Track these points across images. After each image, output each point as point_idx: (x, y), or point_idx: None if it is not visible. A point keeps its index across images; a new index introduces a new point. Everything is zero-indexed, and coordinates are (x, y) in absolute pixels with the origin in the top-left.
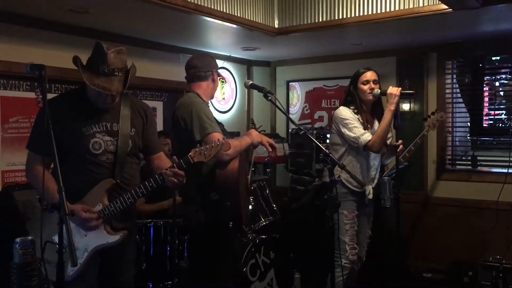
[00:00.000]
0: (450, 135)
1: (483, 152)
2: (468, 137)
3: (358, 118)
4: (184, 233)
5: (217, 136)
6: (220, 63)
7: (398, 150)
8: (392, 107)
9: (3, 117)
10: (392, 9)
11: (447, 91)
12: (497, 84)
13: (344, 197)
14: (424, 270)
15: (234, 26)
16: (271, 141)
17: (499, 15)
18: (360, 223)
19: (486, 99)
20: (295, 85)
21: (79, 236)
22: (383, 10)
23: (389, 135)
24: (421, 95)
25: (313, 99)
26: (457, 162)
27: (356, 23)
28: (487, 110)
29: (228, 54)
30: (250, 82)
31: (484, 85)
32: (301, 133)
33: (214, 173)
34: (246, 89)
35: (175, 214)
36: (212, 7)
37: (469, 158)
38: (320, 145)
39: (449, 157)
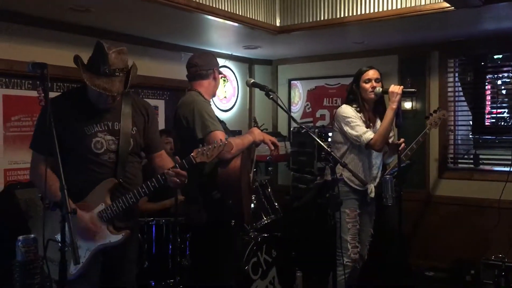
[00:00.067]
0: (452, 133)
1: (485, 151)
2: (470, 136)
3: (360, 117)
4: (186, 231)
5: (219, 135)
6: (221, 61)
7: (400, 148)
8: (394, 106)
9: (5, 115)
10: (394, 7)
11: (449, 89)
12: (499, 82)
13: (346, 195)
14: (426, 269)
15: (236, 24)
16: (274, 139)
17: (501, 13)
18: (362, 221)
19: (488, 97)
20: (297, 83)
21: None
22: (385, 9)
23: (391, 134)
24: (423, 94)
25: (314, 97)
26: (459, 160)
27: (358, 22)
28: (489, 108)
29: (230, 53)
30: (252, 81)
31: (486, 83)
32: (303, 131)
33: (216, 171)
34: (248, 88)
35: (177, 213)
36: (214, 6)
37: (471, 156)
38: (322, 144)
39: (451, 155)
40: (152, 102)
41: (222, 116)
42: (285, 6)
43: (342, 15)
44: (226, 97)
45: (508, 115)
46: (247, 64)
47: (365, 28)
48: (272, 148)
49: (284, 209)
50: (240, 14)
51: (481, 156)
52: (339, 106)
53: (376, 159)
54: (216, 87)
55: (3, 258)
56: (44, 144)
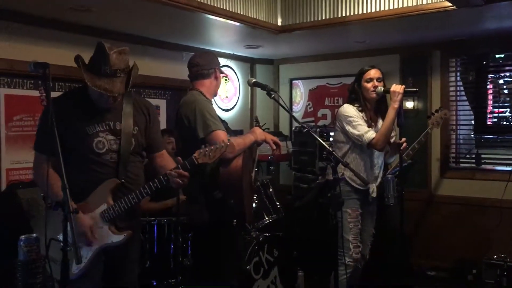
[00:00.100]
0: (454, 133)
1: (487, 150)
2: (472, 135)
3: (362, 116)
4: (188, 231)
5: (221, 134)
6: (223, 61)
7: (401, 148)
8: (396, 105)
9: (7, 115)
10: (396, 6)
11: (451, 89)
12: (501, 81)
13: (348, 195)
14: (427, 268)
15: (237, 24)
16: (275, 139)
17: (502, 13)
18: (363, 221)
19: (490, 96)
20: (298, 83)
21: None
22: (386, 8)
23: (392, 133)
24: (425, 93)
25: (316, 97)
26: (461, 160)
27: (359, 21)
28: (491, 108)
29: (231, 52)
30: (253, 80)
31: (488, 82)
32: (304, 131)
33: (217, 171)
34: (249, 87)
35: (179, 213)
36: (215, 5)
37: (473, 156)
38: (324, 143)
39: (453, 155)
40: (154, 101)
41: (223, 115)
42: (287, 6)
43: (343, 15)
44: (228, 96)
45: (510, 114)
46: (249, 63)
47: (367, 27)
48: (274, 147)
49: (286, 209)
50: (242, 13)
51: (483, 156)
52: (340, 105)
53: (378, 158)
54: (217, 86)
55: (5, 257)
56: (46, 143)
